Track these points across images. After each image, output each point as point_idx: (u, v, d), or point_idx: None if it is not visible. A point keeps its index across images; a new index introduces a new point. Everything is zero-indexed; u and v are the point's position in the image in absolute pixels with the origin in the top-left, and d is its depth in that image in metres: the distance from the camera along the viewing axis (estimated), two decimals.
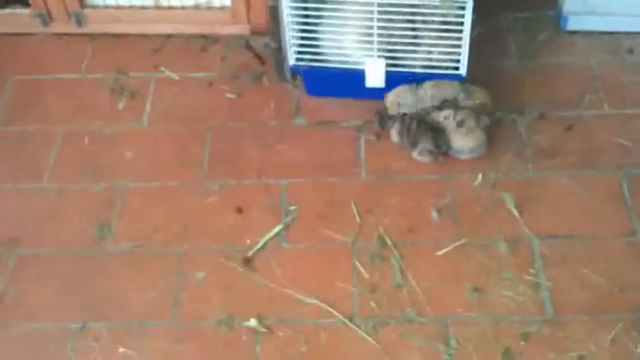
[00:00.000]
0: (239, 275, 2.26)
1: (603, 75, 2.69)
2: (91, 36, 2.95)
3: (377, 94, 2.55)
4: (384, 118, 2.50)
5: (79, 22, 2.93)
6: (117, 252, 2.33)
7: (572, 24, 2.80)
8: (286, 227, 2.36)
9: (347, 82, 2.57)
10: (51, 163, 2.56)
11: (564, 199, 2.38)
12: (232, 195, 2.45)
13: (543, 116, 2.59)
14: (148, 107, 2.73)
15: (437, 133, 2.44)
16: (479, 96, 2.49)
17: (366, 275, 2.24)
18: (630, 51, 2.75)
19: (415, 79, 2.50)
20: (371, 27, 2.40)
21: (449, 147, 2.45)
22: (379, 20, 2.37)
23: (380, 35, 2.42)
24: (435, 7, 2.33)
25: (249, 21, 2.89)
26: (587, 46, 2.79)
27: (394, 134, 2.47)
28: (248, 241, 2.33)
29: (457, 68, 2.48)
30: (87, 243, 2.35)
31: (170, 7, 2.91)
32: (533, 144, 2.52)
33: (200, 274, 2.26)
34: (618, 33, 2.79)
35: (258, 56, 2.87)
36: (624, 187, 2.39)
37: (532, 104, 2.62)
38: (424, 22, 2.40)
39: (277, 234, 2.35)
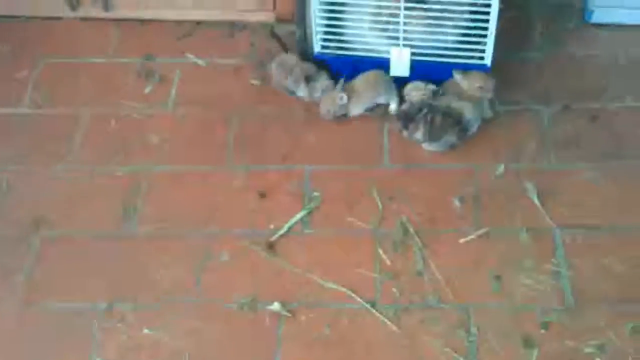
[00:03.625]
0: (262, 259, 2.29)
1: (627, 68, 2.69)
2: (119, 21, 2.99)
3: (402, 82, 2.57)
4: (407, 119, 2.50)
5: (107, 7, 2.96)
6: (142, 233, 2.37)
7: (598, 17, 2.80)
8: (309, 213, 2.39)
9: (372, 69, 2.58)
10: (78, 145, 2.60)
11: (587, 190, 2.39)
12: (257, 180, 2.48)
13: (567, 107, 2.59)
14: (174, 92, 2.76)
15: (461, 125, 2.45)
16: (479, 79, 2.49)
17: (388, 262, 2.26)
18: None
19: (441, 69, 2.51)
20: (397, 16, 2.41)
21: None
22: (405, 9, 2.38)
23: (406, 24, 2.43)
24: None
25: (274, 8, 2.91)
26: (612, 39, 2.79)
27: (418, 135, 2.47)
28: (272, 226, 2.36)
29: (482, 58, 2.49)
30: (113, 224, 2.39)
31: None
32: (557, 134, 2.53)
33: (224, 257, 2.29)
34: None
35: (283, 44, 2.88)
36: None
37: (556, 94, 2.63)
38: (450, 11, 2.41)
39: (301, 219, 2.37)
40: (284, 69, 2.64)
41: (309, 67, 2.63)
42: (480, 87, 2.47)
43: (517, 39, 2.78)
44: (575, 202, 2.35)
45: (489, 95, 2.50)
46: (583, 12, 2.84)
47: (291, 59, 2.66)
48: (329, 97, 2.57)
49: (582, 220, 2.31)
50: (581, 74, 2.69)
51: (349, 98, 2.53)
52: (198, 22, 2.96)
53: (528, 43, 2.79)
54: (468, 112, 2.46)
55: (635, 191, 2.36)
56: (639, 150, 2.47)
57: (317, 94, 2.62)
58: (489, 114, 2.54)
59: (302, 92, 2.63)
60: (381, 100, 2.56)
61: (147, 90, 2.77)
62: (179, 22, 2.96)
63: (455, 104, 2.45)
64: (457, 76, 2.47)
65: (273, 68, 2.68)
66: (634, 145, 2.48)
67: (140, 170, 2.52)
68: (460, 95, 2.47)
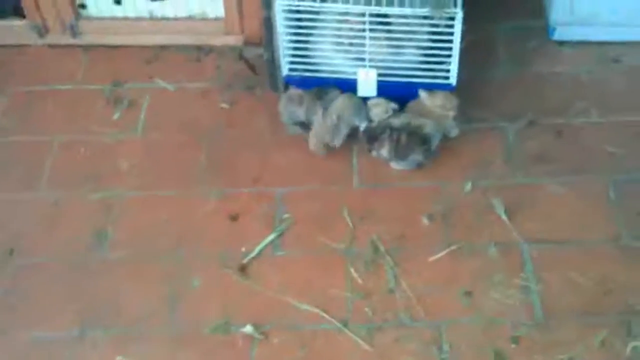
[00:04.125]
0: (234, 282, 2.29)
1: (591, 84, 2.75)
2: (86, 47, 2.99)
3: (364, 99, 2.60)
4: (372, 137, 2.53)
5: (74, 33, 2.96)
6: (114, 259, 2.36)
7: (560, 34, 2.86)
8: (281, 235, 2.40)
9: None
10: (48, 173, 2.60)
11: (553, 205, 2.42)
12: (227, 204, 2.49)
13: (532, 123, 2.64)
14: (143, 117, 2.76)
15: (427, 144, 2.48)
16: (442, 98, 2.52)
17: (360, 281, 2.28)
18: (617, 60, 2.81)
19: (407, 89, 2.55)
20: (363, 38, 2.44)
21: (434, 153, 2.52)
22: (370, 30, 2.42)
23: (372, 45, 2.46)
24: (425, 17, 2.38)
25: (242, 32, 2.94)
26: (575, 56, 2.84)
27: (384, 152, 2.50)
28: (243, 249, 2.37)
29: (447, 77, 2.52)
30: (85, 251, 2.39)
31: (164, 18, 2.95)
32: (523, 150, 2.57)
33: (197, 281, 2.30)
34: (605, 43, 2.85)
35: (251, 66, 2.91)
36: (611, 193, 2.44)
37: (522, 111, 2.67)
38: (415, 32, 2.44)
39: (272, 241, 2.38)
40: (293, 101, 2.58)
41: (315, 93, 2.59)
42: (444, 106, 2.50)
43: (482, 58, 2.83)
44: (542, 217, 2.39)
45: (452, 113, 2.53)
46: (546, 30, 2.89)
47: (296, 91, 2.60)
48: (319, 128, 2.53)
49: (549, 235, 2.34)
50: (545, 91, 2.74)
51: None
52: (165, 47, 2.98)
53: (493, 62, 2.84)
54: (429, 128, 2.49)
55: (600, 206, 2.40)
56: (604, 165, 2.51)
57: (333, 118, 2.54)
58: (455, 132, 2.57)
59: (318, 120, 2.54)
60: (357, 122, 2.56)
61: (116, 116, 2.77)
62: (146, 47, 2.97)
63: (416, 121, 2.49)
64: (423, 95, 2.51)
65: (282, 106, 2.62)
66: (599, 159, 2.52)
67: (111, 196, 2.52)
68: (423, 113, 2.50)
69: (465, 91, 2.60)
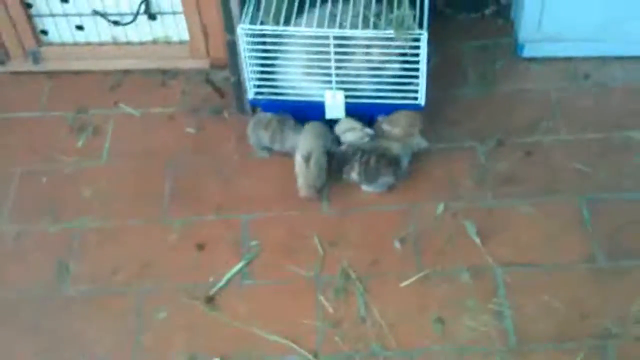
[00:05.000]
0: (201, 314, 2.23)
1: (560, 101, 2.72)
2: (49, 74, 2.93)
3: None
4: (342, 160, 2.48)
5: (36, 60, 2.90)
6: (76, 294, 2.30)
7: (529, 51, 2.83)
8: (248, 263, 2.35)
9: (308, 114, 2.56)
10: (9, 204, 2.53)
11: (526, 227, 2.39)
12: (193, 232, 2.43)
13: (502, 143, 2.60)
14: (107, 144, 2.70)
15: (397, 165, 2.44)
16: (404, 119, 2.48)
17: (330, 310, 2.22)
18: (586, 76, 2.78)
19: (375, 110, 2.51)
20: (329, 60, 2.40)
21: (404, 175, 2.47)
22: (336, 53, 2.37)
23: (337, 67, 2.42)
24: (390, 39, 2.34)
25: (208, 55, 2.89)
26: (544, 72, 2.82)
27: (354, 175, 2.46)
28: (210, 279, 2.31)
29: (415, 98, 2.49)
30: (46, 286, 2.32)
31: (128, 43, 2.90)
32: (493, 171, 2.53)
33: (162, 314, 2.24)
34: (574, 58, 2.82)
35: (218, 90, 2.86)
36: (584, 212, 2.40)
37: (491, 131, 2.64)
38: (381, 54, 2.40)
39: (240, 270, 2.33)
40: (260, 125, 2.54)
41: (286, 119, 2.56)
42: (407, 127, 2.46)
43: (450, 77, 2.79)
44: (514, 240, 2.35)
45: (418, 128, 2.49)
46: (514, 47, 2.86)
47: (265, 115, 2.57)
48: (306, 176, 2.46)
49: (522, 258, 2.31)
50: (515, 110, 2.70)
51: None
52: (129, 72, 2.92)
53: (461, 81, 2.80)
54: (397, 149, 2.45)
55: (573, 226, 2.37)
56: (574, 185, 2.47)
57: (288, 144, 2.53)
58: (424, 145, 2.51)
59: (277, 145, 2.55)
60: (326, 158, 2.51)
61: (80, 143, 2.71)
62: (110, 73, 2.91)
63: (385, 143, 2.45)
64: (381, 120, 2.47)
65: (249, 129, 2.57)
66: (569, 179, 2.49)
67: (73, 227, 2.46)
68: (389, 135, 2.47)
69: (435, 111, 2.57)
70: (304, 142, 2.47)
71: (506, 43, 2.90)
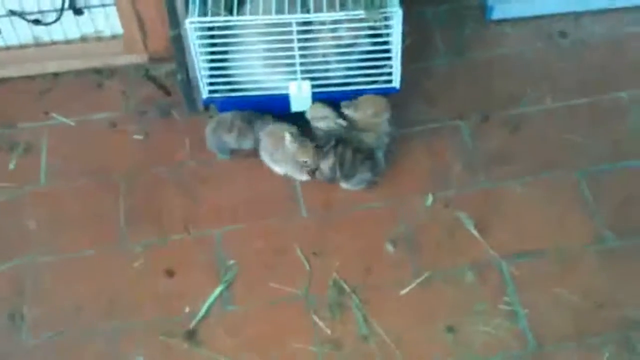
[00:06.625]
0: (183, 353, 1.98)
1: (539, 65, 2.51)
2: None
3: (305, 117, 2.29)
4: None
5: None
6: (35, 344, 2.01)
7: (498, 13, 2.60)
8: (228, 286, 2.09)
9: (271, 109, 2.29)
10: None
11: (524, 210, 2.19)
12: (160, 256, 2.16)
13: (486, 119, 2.39)
14: (44, 163, 2.37)
15: (374, 160, 2.20)
16: (370, 105, 2.25)
17: (327, 331, 2.00)
18: (563, 34, 2.58)
19: (345, 98, 2.25)
20: (291, 49, 2.12)
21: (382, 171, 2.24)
22: (299, 40, 2.10)
23: (302, 56, 2.15)
24: (360, 20, 2.08)
25: (146, 49, 2.56)
26: (517, 35, 2.60)
27: (325, 169, 2.21)
28: (187, 309, 2.05)
29: (389, 81, 2.24)
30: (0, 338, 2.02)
31: (53, 43, 2.56)
32: (481, 151, 2.32)
33: (139, 358, 1.97)
34: (547, 16, 2.61)
35: (162, 87, 2.55)
36: (583, 188, 2.22)
37: (472, 106, 2.42)
38: (349, 35, 2.14)
39: (220, 295, 2.07)
40: (223, 127, 2.28)
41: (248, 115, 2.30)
42: (374, 113, 2.21)
43: (418, 48, 2.54)
44: (515, 227, 2.16)
45: (386, 115, 2.24)
46: (482, 9, 2.63)
47: (225, 115, 2.30)
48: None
49: (525, 246, 2.12)
50: (492, 78, 2.48)
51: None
52: (58, 75, 2.57)
53: (430, 50, 2.56)
54: (369, 140, 2.21)
55: (572, 205, 2.19)
56: (569, 158, 2.28)
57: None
58: (394, 134, 2.27)
59: (248, 143, 2.29)
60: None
61: (11, 165, 2.37)
62: (36, 78, 2.56)
63: (356, 135, 2.21)
64: (345, 110, 2.22)
65: (209, 131, 2.30)
66: (562, 152, 2.30)
67: (21, 265, 2.15)
68: (358, 126, 2.22)
69: (406, 87, 2.31)
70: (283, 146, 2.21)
71: (473, 6, 2.66)
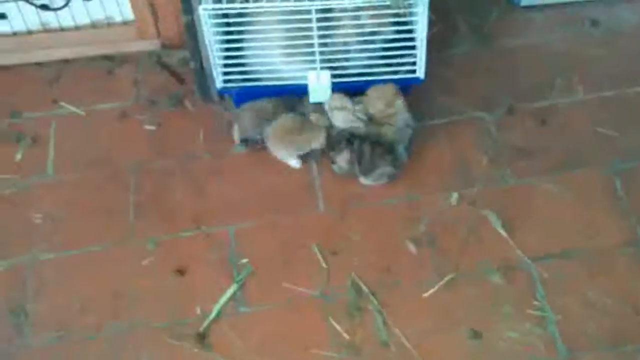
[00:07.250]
0: (193, 356, 1.88)
1: (569, 54, 2.39)
2: None
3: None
4: (329, 145, 2.13)
5: None
6: (38, 344, 1.92)
7: None
8: (241, 286, 1.99)
9: None
10: None
11: (553, 208, 2.08)
12: (170, 254, 2.06)
13: (512, 110, 2.27)
14: (52, 153, 2.28)
15: (394, 154, 2.09)
16: (379, 97, 2.13)
17: (345, 335, 1.90)
18: (595, 22, 2.45)
19: (366, 88, 2.14)
20: (310, 37, 2.01)
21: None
22: (319, 28, 1.99)
23: (322, 44, 2.04)
24: (384, 7, 1.96)
25: (158, 35, 2.47)
26: (546, 22, 2.47)
27: (343, 163, 2.11)
28: (198, 310, 1.96)
29: (413, 71, 2.13)
30: (2, 338, 1.93)
31: (62, 29, 2.46)
32: (507, 145, 2.20)
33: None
34: (578, 3, 2.49)
35: (175, 74, 2.45)
36: (616, 184, 2.11)
37: (498, 97, 2.30)
38: (371, 25, 2.03)
39: (232, 296, 1.97)
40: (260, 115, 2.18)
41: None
42: (386, 104, 2.10)
43: (441, 34, 2.43)
44: (543, 226, 2.05)
45: (399, 104, 2.12)
46: None
47: (260, 102, 2.20)
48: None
49: (555, 247, 2.01)
50: (519, 68, 2.37)
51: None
52: (68, 62, 2.48)
53: (454, 37, 2.44)
54: (390, 133, 2.10)
55: (603, 203, 2.07)
56: (600, 153, 2.17)
57: None
58: (411, 121, 2.15)
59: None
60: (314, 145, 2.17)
61: (18, 156, 2.28)
62: (45, 65, 2.47)
63: (375, 129, 2.10)
64: (358, 112, 2.11)
65: (245, 120, 2.20)
66: (593, 147, 2.18)
67: (25, 261, 2.06)
68: (374, 119, 2.11)
69: (429, 79, 2.19)
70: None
71: None
